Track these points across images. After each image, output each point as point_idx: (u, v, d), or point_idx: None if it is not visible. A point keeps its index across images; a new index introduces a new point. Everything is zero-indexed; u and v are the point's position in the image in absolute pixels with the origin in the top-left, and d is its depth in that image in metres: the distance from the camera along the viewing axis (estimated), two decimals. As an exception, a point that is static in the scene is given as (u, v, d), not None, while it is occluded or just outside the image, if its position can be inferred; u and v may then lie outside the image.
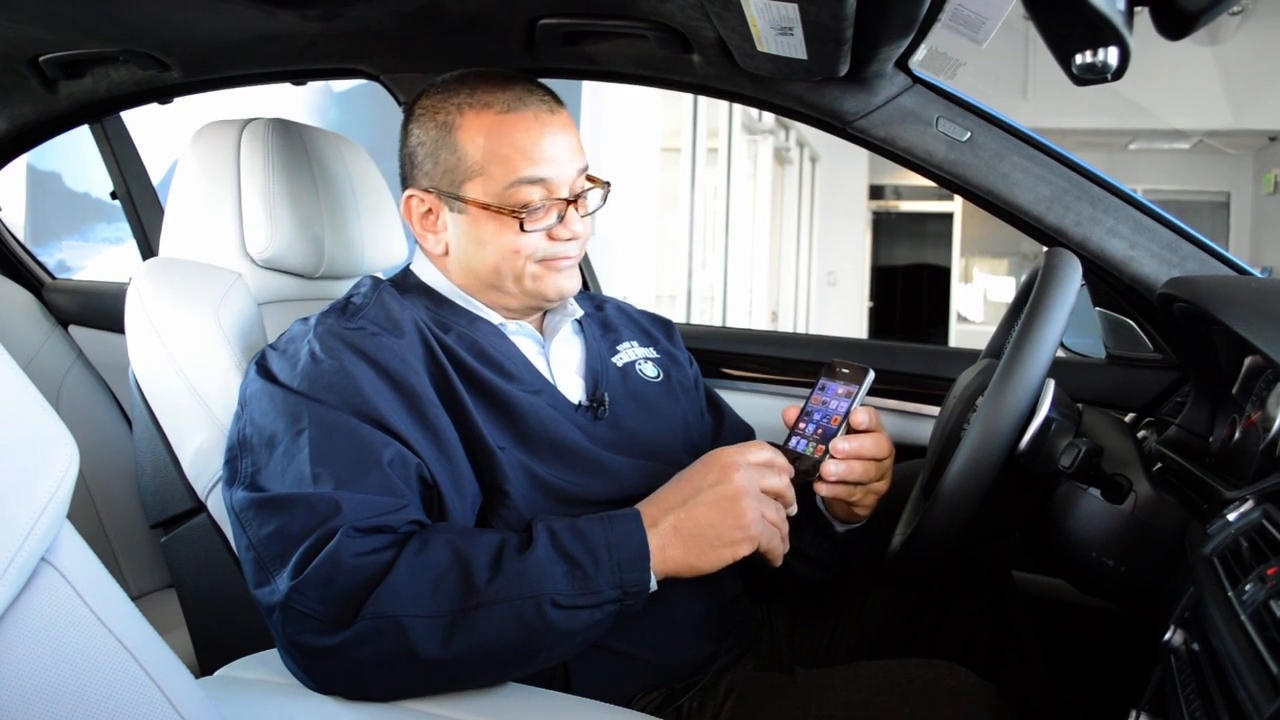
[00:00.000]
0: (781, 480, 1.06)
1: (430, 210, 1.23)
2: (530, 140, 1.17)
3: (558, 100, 1.24)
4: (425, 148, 1.21)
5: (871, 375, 1.13)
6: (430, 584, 0.93)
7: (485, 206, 1.18)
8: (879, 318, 12.66)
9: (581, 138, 1.25)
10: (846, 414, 1.12)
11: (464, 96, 1.20)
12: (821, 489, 1.14)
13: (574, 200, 1.20)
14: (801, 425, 1.14)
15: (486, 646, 0.94)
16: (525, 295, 1.23)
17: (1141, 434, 1.41)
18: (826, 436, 1.12)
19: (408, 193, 1.24)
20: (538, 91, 1.22)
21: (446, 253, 1.24)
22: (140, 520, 1.64)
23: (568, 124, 1.22)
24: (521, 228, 1.17)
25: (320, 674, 0.96)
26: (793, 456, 1.12)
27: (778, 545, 1.05)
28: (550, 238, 1.20)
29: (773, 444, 1.10)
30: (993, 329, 1.42)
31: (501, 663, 0.98)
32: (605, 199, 1.26)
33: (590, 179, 1.24)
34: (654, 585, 1.00)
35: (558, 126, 1.20)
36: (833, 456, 1.10)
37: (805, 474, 1.11)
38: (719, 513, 1.01)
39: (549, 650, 0.98)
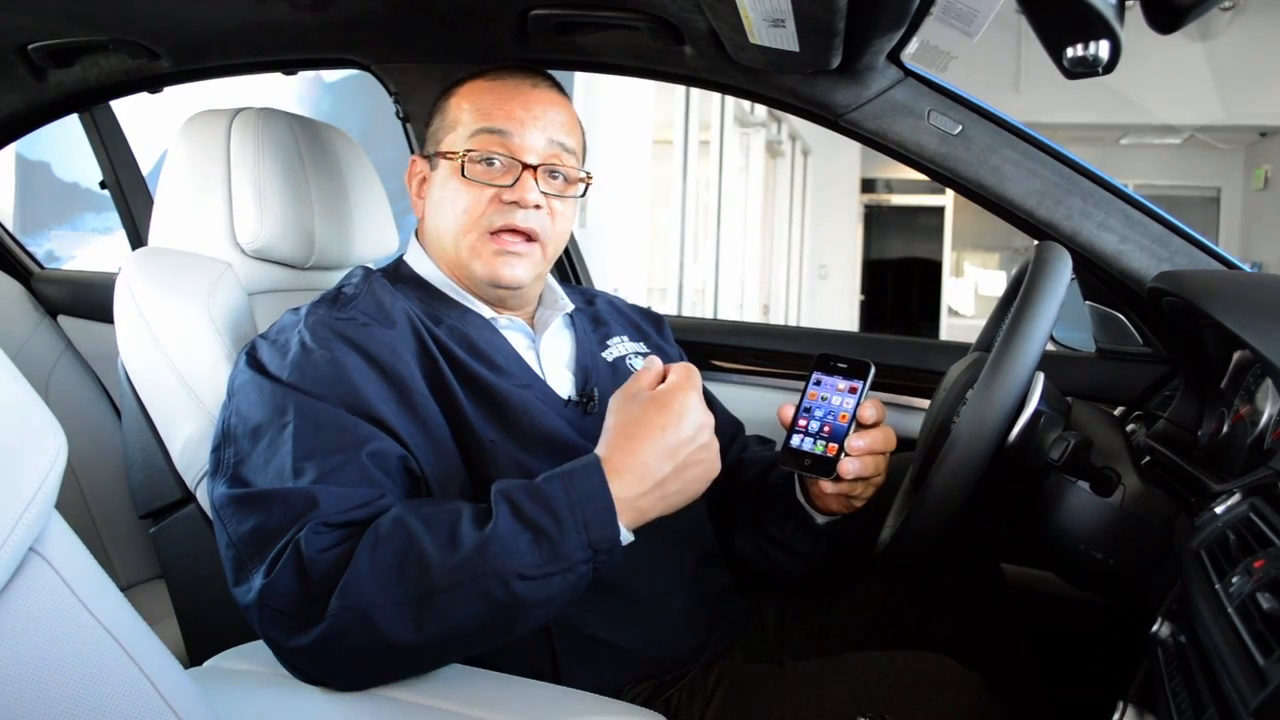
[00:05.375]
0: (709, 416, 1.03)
1: (424, 179, 1.28)
2: (499, 100, 1.22)
3: (553, 83, 1.26)
4: (430, 119, 1.28)
5: (874, 370, 1.11)
6: (394, 571, 0.91)
7: (447, 156, 1.22)
8: (870, 311, 12.67)
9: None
10: (855, 410, 1.10)
11: (470, 77, 1.26)
12: (830, 487, 1.13)
13: (535, 168, 1.20)
14: (803, 422, 1.11)
15: (459, 626, 0.92)
16: (463, 271, 1.23)
17: (1130, 428, 1.42)
18: (837, 434, 1.09)
19: (411, 157, 1.31)
20: (531, 72, 1.26)
21: (424, 218, 1.28)
22: (129, 511, 1.63)
23: (550, 100, 1.24)
24: (463, 172, 1.19)
25: (301, 668, 0.96)
26: (801, 455, 1.10)
27: None
28: (500, 201, 1.19)
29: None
30: (983, 322, 1.43)
31: (477, 639, 0.96)
32: (585, 190, 1.26)
33: (570, 167, 1.24)
34: (628, 536, 0.98)
35: (535, 98, 1.23)
36: (848, 454, 1.08)
37: (821, 474, 1.09)
38: (699, 472, 1.00)
39: (524, 619, 0.95)
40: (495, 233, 1.20)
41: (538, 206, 1.20)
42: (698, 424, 0.99)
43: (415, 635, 0.91)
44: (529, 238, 1.21)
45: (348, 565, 0.92)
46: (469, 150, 1.19)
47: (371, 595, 0.90)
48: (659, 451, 0.98)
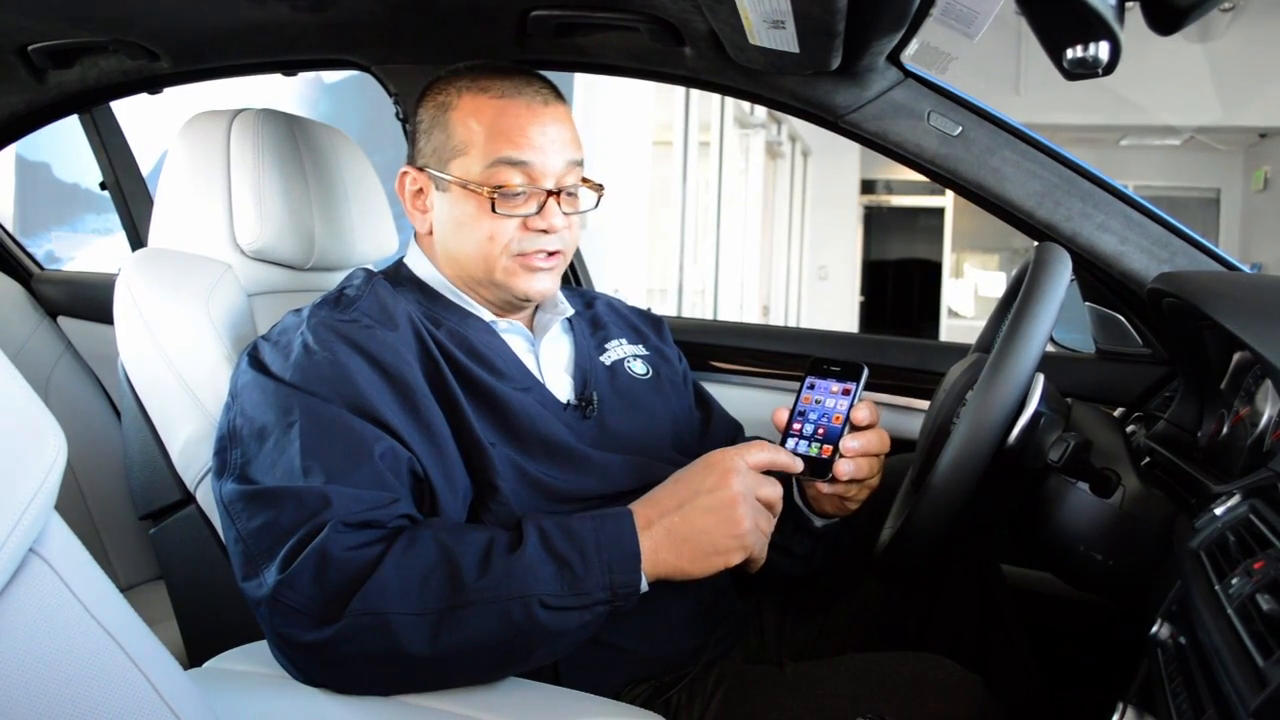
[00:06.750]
0: (777, 490, 1.05)
1: (421, 190, 1.25)
2: (517, 124, 1.18)
3: (558, 94, 1.24)
4: (423, 126, 1.24)
5: (866, 371, 1.11)
6: (418, 581, 0.93)
7: (465, 185, 1.18)
8: (870, 312, 12.66)
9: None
10: (849, 412, 1.10)
11: (466, 81, 1.22)
12: (826, 488, 1.14)
13: (557, 193, 1.20)
14: (797, 426, 1.11)
15: (474, 644, 0.93)
16: (495, 288, 1.22)
17: (1130, 429, 1.42)
18: (831, 436, 1.09)
19: (401, 169, 1.26)
20: (536, 83, 1.23)
21: (431, 232, 1.25)
22: (129, 512, 1.63)
23: (562, 117, 1.22)
24: (493, 209, 1.17)
25: (307, 667, 0.96)
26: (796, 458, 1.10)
27: (763, 554, 1.05)
28: (526, 228, 1.19)
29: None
30: (983, 324, 1.43)
31: (489, 661, 0.97)
32: (598, 202, 1.26)
33: (584, 180, 1.24)
34: (645, 586, 0.99)
35: (550, 117, 1.20)
36: (843, 456, 1.08)
37: (816, 475, 1.09)
38: (715, 519, 1.00)
39: (538, 650, 0.97)
40: (524, 254, 1.20)
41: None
42: (723, 469, 1.02)
43: (430, 647, 0.92)
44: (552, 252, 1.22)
45: (374, 568, 0.93)
46: (498, 188, 1.17)
47: (394, 601, 0.91)
48: (674, 492, 1.03)
